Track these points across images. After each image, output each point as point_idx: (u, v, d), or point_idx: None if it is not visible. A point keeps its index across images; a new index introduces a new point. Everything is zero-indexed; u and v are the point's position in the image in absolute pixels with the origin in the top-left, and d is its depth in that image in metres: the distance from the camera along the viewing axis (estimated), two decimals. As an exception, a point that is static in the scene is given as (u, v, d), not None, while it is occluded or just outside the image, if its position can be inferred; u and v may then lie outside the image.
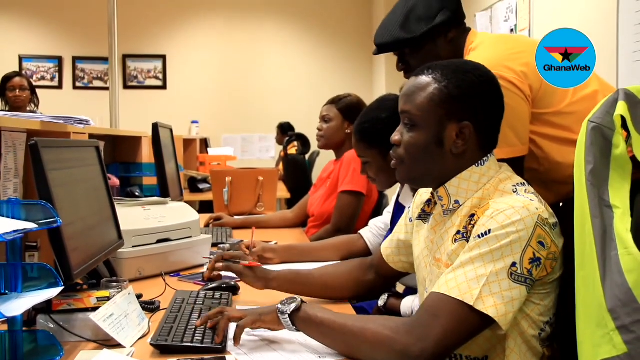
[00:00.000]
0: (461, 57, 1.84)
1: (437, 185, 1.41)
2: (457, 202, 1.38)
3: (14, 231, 1.11)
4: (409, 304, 1.93)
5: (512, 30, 4.59)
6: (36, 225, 1.20)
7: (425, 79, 1.38)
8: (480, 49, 1.80)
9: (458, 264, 1.26)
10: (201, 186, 5.32)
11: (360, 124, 2.19)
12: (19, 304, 1.09)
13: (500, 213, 1.26)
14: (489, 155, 1.40)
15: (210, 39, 8.22)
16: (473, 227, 1.30)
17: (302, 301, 1.37)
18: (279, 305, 1.36)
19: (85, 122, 1.95)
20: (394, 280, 1.83)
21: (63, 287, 1.22)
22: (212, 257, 1.87)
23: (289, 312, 1.34)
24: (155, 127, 2.71)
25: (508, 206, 1.26)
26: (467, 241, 1.30)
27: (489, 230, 1.25)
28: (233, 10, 8.22)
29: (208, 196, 4.96)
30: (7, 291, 1.23)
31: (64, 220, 1.30)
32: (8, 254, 1.23)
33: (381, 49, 1.93)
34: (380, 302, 2.05)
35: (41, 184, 1.30)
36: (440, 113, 1.35)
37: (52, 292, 1.19)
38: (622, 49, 3.13)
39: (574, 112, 1.71)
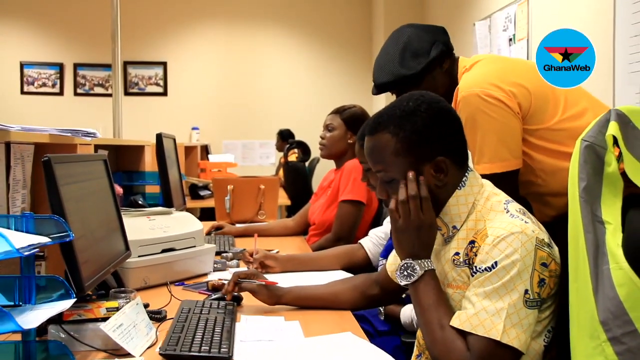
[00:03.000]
0: (456, 84, 1.88)
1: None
2: (454, 227, 1.42)
3: (29, 246, 1.15)
4: (408, 313, 1.98)
5: (510, 40, 4.64)
6: (50, 240, 1.24)
7: (380, 136, 1.42)
8: (473, 70, 1.86)
9: (475, 300, 1.30)
10: (202, 193, 5.34)
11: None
12: (35, 316, 1.13)
13: (502, 240, 1.30)
14: (466, 174, 1.44)
15: (211, 46, 8.28)
16: (475, 255, 1.34)
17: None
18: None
19: (92, 135, 2.00)
20: (399, 294, 1.86)
21: (76, 299, 1.26)
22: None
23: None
24: (159, 137, 2.75)
25: (507, 232, 1.30)
26: (470, 268, 1.35)
27: (496, 263, 1.29)
28: (234, 18, 8.27)
29: (209, 203, 5.00)
30: (20, 303, 1.28)
31: (75, 233, 1.34)
32: (22, 267, 1.27)
33: (382, 88, 1.97)
34: (381, 307, 2.10)
35: (54, 198, 1.34)
36: (411, 160, 1.39)
37: (66, 304, 1.23)
38: (619, 59, 3.18)
39: (565, 129, 1.76)
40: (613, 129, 1.20)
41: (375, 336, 2.07)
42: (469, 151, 1.49)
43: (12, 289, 1.30)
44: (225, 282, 2.01)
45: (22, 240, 1.11)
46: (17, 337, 1.29)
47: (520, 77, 1.78)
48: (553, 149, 1.78)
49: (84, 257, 1.41)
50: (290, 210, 6.09)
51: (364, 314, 2.26)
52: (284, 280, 1.98)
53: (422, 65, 1.88)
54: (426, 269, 1.39)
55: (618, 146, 1.22)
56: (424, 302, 1.37)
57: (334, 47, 8.36)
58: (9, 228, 1.24)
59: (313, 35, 8.38)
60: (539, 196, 1.83)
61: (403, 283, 1.41)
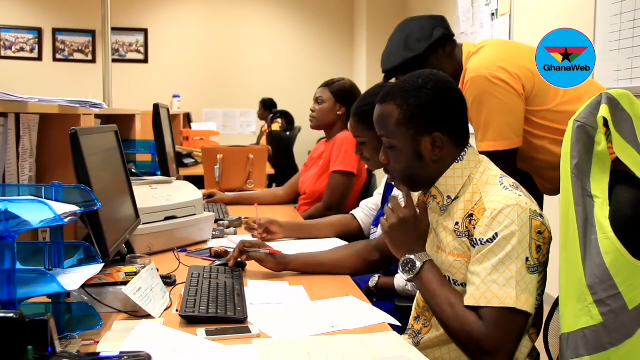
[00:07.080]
0: (461, 68, 1.99)
1: (429, 187, 1.57)
2: (449, 197, 1.54)
3: (65, 213, 1.23)
4: (401, 280, 2.09)
5: (493, 15, 4.73)
6: (79, 208, 1.32)
7: (387, 106, 1.54)
8: (481, 53, 1.96)
9: (484, 274, 1.41)
10: (186, 161, 5.37)
11: (360, 107, 2.31)
12: (74, 279, 1.22)
13: (499, 213, 1.41)
14: (465, 149, 1.55)
15: (193, 13, 8.23)
16: (474, 227, 1.45)
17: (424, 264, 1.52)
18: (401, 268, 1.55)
19: (99, 106, 2.06)
20: (396, 259, 1.98)
21: (103, 264, 1.34)
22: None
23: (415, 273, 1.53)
24: (156, 107, 2.81)
25: (503, 205, 1.42)
26: (470, 239, 1.46)
27: (496, 234, 1.40)
28: (215, -15, 8.23)
29: (193, 171, 5.04)
30: (51, 267, 1.36)
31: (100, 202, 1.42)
32: (52, 234, 1.35)
33: (390, 74, 2.08)
34: (371, 284, 2.21)
35: (80, 169, 1.41)
36: (411, 132, 1.51)
37: (96, 269, 1.31)
38: (599, 38, 3.29)
39: (565, 112, 1.87)
40: (604, 111, 1.31)
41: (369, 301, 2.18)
42: (472, 128, 1.59)
43: (38, 254, 1.38)
44: (228, 249, 2.11)
45: (60, 209, 1.18)
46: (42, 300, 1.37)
47: (525, 60, 1.88)
48: (554, 128, 1.89)
49: (106, 226, 1.49)
50: (273, 179, 6.18)
51: (356, 280, 2.38)
52: (282, 247, 2.06)
53: (425, 47, 1.98)
54: (424, 260, 1.52)
55: (607, 127, 1.33)
56: (430, 287, 1.50)
57: (316, 16, 8.38)
58: (41, 197, 1.31)
59: (296, 4, 8.37)
60: (540, 170, 1.95)
61: (406, 277, 1.54)
